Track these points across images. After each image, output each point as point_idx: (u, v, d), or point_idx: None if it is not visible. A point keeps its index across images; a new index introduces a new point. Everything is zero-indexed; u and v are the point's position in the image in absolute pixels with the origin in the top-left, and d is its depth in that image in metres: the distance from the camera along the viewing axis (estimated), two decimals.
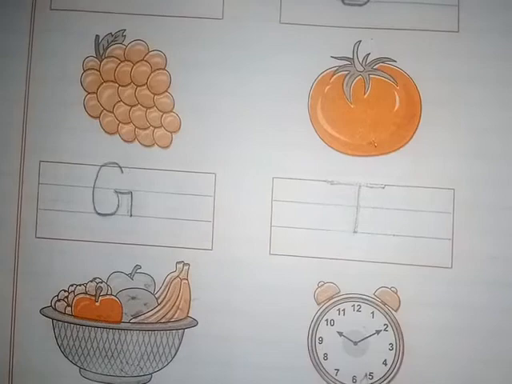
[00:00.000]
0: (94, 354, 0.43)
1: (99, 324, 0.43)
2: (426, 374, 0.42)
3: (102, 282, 0.44)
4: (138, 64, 0.45)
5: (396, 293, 0.42)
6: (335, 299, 0.43)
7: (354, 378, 0.42)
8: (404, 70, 0.43)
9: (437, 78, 0.43)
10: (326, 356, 0.43)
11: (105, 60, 0.45)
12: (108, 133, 0.44)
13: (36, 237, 0.44)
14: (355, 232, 0.43)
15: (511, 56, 0.43)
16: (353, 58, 0.44)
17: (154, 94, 0.44)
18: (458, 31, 0.43)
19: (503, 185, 0.42)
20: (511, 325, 0.42)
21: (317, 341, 0.43)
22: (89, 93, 0.45)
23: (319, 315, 0.43)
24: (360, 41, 0.44)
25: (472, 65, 0.43)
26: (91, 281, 0.44)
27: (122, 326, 0.43)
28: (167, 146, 0.44)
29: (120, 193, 0.44)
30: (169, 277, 0.44)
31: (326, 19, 0.44)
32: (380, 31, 0.44)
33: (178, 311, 0.43)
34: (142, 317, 0.43)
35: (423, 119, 0.43)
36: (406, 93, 0.43)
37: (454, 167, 0.43)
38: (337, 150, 0.44)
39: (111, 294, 0.44)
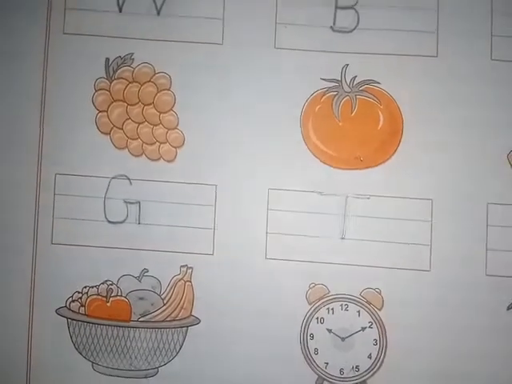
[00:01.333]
0: (106, 349, 0.44)
1: (110, 322, 0.44)
2: (406, 367, 0.44)
3: (112, 284, 0.45)
4: (145, 85, 0.46)
5: (380, 293, 0.44)
6: (325, 299, 0.44)
7: (341, 370, 0.44)
8: (387, 91, 0.45)
9: (417, 99, 0.45)
10: (316, 351, 0.44)
11: (115, 81, 0.46)
12: (118, 148, 0.46)
13: (52, 243, 0.45)
14: (343, 238, 0.45)
15: (486, 78, 0.45)
16: (341, 80, 0.45)
17: (160, 113, 0.46)
18: (436, 56, 0.45)
19: (475, 196, 0.44)
20: (483, 322, 0.44)
21: (308, 337, 0.44)
22: (100, 111, 0.46)
23: (310, 314, 0.44)
24: (347, 64, 0.45)
25: (449, 87, 0.45)
26: (103, 283, 0.45)
27: (131, 324, 0.44)
28: (172, 160, 0.46)
29: (129, 203, 0.45)
30: (174, 279, 0.45)
31: (316, 45, 0.45)
32: (366, 56, 0.45)
33: (182, 310, 0.45)
34: (149, 316, 0.45)
35: (404, 136, 0.45)
36: (389, 112, 0.45)
37: (432, 180, 0.44)
38: (326, 164, 0.45)
39: (121, 295, 0.45)
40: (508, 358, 0.44)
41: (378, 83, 0.46)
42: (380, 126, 0.45)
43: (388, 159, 0.45)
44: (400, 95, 0.45)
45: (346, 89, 0.46)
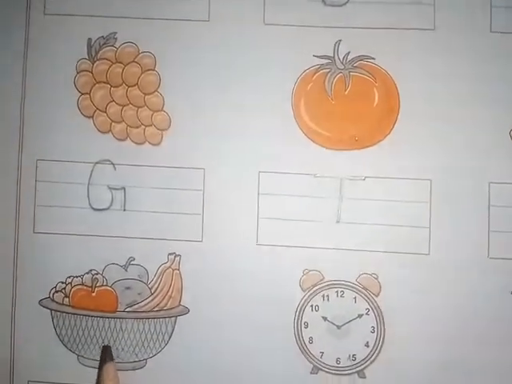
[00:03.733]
0: (91, 341, 0.44)
1: (95, 313, 0.44)
2: (405, 355, 0.43)
3: (97, 274, 0.45)
4: (129, 65, 0.45)
5: (377, 279, 0.43)
6: (319, 286, 0.44)
7: (337, 359, 0.43)
8: (382, 67, 0.44)
9: (414, 74, 0.44)
10: (311, 339, 0.44)
11: (97, 62, 0.45)
12: (101, 132, 0.45)
13: (34, 232, 0.45)
14: (338, 222, 0.44)
15: (484, 52, 0.44)
16: (333, 57, 0.44)
17: (145, 94, 0.45)
18: (433, 29, 0.44)
19: (475, 175, 0.43)
20: (486, 307, 0.43)
21: (302, 325, 0.44)
22: (82, 93, 0.45)
23: (304, 301, 0.44)
24: (340, 40, 0.44)
25: (447, 61, 0.44)
26: (87, 273, 0.45)
27: (118, 314, 0.44)
28: (158, 144, 0.45)
29: (113, 189, 0.45)
30: (161, 268, 0.44)
31: (307, 20, 0.45)
32: (359, 30, 0.44)
33: (171, 300, 0.44)
34: (137, 306, 0.44)
35: (401, 114, 0.44)
36: (385, 89, 0.44)
37: (430, 159, 0.44)
38: (319, 145, 0.44)
39: (107, 285, 0.45)
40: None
41: (373, 59, 0.45)
42: (375, 103, 0.44)
43: (384, 138, 0.44)
44: (396, 71, 0.44)
45: (339, 65, 0.45)
